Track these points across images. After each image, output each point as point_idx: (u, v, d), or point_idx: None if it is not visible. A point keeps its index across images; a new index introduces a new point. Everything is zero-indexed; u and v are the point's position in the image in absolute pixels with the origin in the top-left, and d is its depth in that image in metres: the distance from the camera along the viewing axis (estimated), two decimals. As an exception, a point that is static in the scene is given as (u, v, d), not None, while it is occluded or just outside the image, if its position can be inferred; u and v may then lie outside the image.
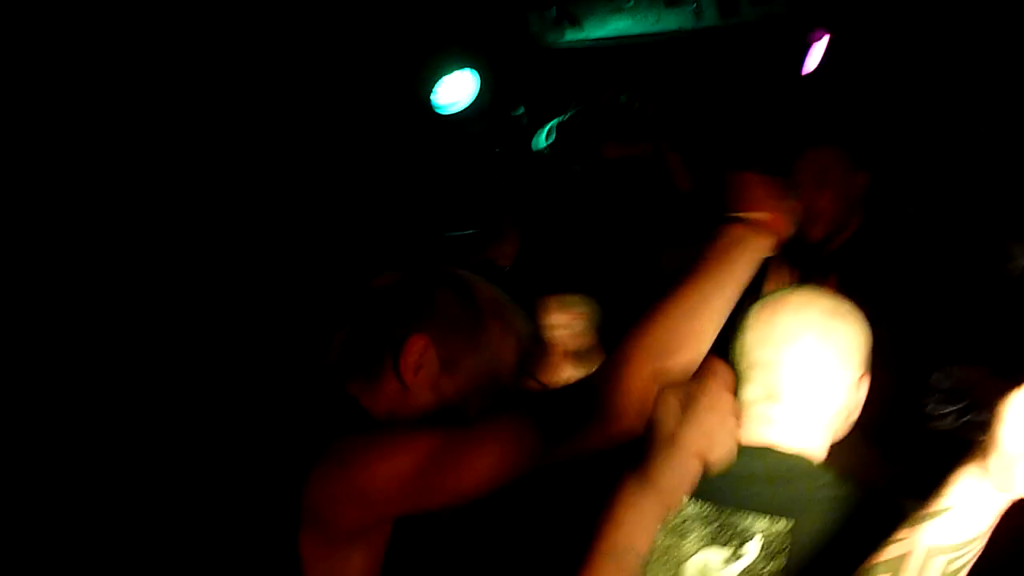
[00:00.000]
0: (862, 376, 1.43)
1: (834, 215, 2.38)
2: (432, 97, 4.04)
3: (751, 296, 1.38)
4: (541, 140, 3.69)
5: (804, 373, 1.36)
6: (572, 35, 4.04)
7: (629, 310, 1.27)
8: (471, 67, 4.04)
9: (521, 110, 4.20)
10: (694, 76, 4.13)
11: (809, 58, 4.06)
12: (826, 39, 3.99)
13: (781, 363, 1.37)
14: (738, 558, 1.29)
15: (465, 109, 4.15)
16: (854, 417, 1.46)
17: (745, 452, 1.27)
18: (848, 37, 3.89)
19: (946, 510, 0.99)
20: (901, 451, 2.14)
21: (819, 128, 3.30)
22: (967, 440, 1.02)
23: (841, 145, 2.48)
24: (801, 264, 2.41)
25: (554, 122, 3.62)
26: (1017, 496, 0.98)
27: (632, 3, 3.40)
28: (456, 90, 4.15)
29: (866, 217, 2.44)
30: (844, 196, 2.39)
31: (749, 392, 1.40)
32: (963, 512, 0.99)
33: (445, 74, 4.02)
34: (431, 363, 1.32)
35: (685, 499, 1.30)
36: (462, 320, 1.35)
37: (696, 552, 1.31)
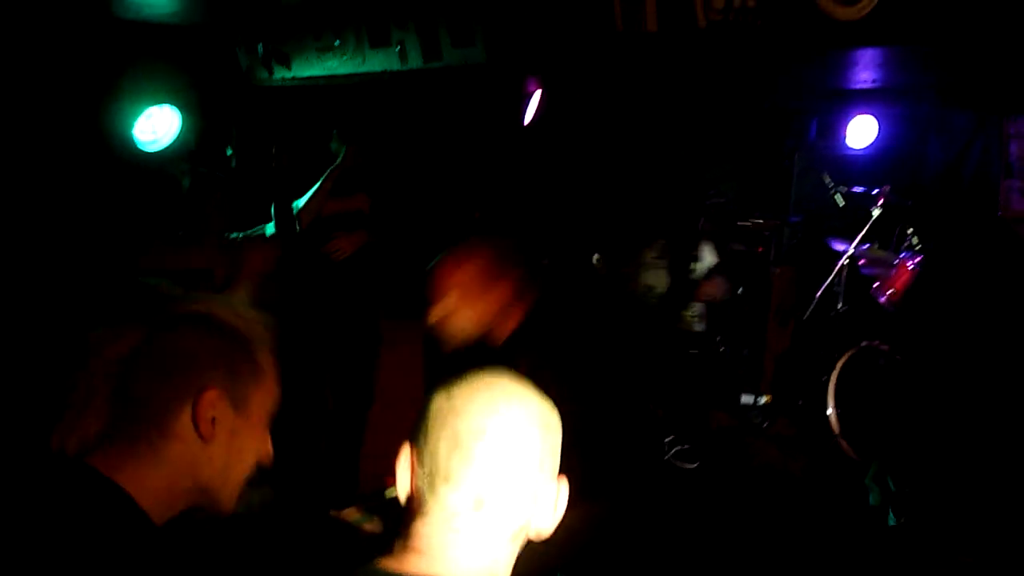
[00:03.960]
0: (553, 481, 1.21)
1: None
2: (133, 133, 3.89)
3: None
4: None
5: (496, 476, 1.14)
6: (281, 73, 4.02)
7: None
8: (172, 104, 3.91)
9: (230, 151, 4.13)
10: (403, 116, 4.30)
11: (528, 109, 4.39)
12: (538, 93, 4.34)
13: (473, 467, 1.14)
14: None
15: (170, 146, 4.01)
16: (549, 526, 1.22)
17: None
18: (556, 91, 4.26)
19: None
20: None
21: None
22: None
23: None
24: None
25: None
26: None
27: (339, 43, 3.45)
28: (159, 126, 4.00)
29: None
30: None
31: (443, 493, 1.15)
32: None
33: (143, 110, 3.87)
34: (225, 411, 1.28)
35: None
36: (237, 356, 1.31)
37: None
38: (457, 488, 1.13)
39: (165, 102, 3.93)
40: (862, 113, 5.23)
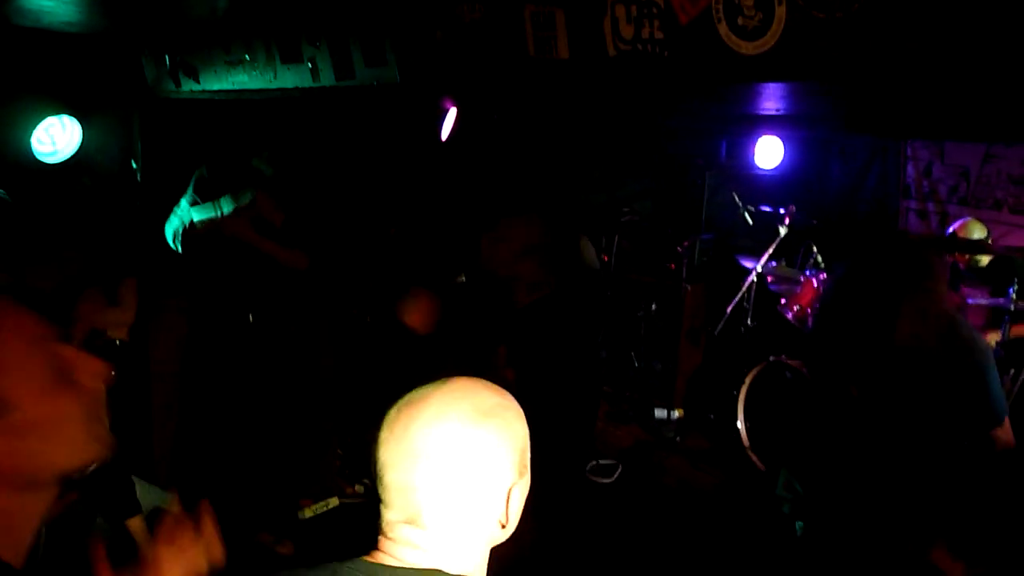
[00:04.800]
0: (515, 482, 1.23)
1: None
2: (31, 142, 3.74)
3: None
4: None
5: (443, 497, 1.17)
6: (189, 86, 3.91)
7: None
8: (71, 114, 3.77)
9: (135, 165, 4.00)
10: (320, 133, 4.24)
11: (444, 125, 4.38)
12: (454, 111, 4.34)
13: (416, 488, 1.17)
14: None
15: (70, 157, 3.87)
16: (512, 525, 1.26)
17: None
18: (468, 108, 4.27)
19: None
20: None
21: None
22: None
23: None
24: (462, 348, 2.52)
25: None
26: None
27: (249, 58, 3.37)
28: (58, 137, 3.85)
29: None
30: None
31: (391, 515, 1.21)
32: None
33: (40, 120, 3.72)
34: None
35: None
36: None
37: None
38: (396, 512, 1.20)
39: (64, 112, 3.78)
40: (769, 135, 5.40)
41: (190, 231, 3.41)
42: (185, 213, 3.45)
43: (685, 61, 1.83)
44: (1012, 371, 4.26)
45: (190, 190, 3.48)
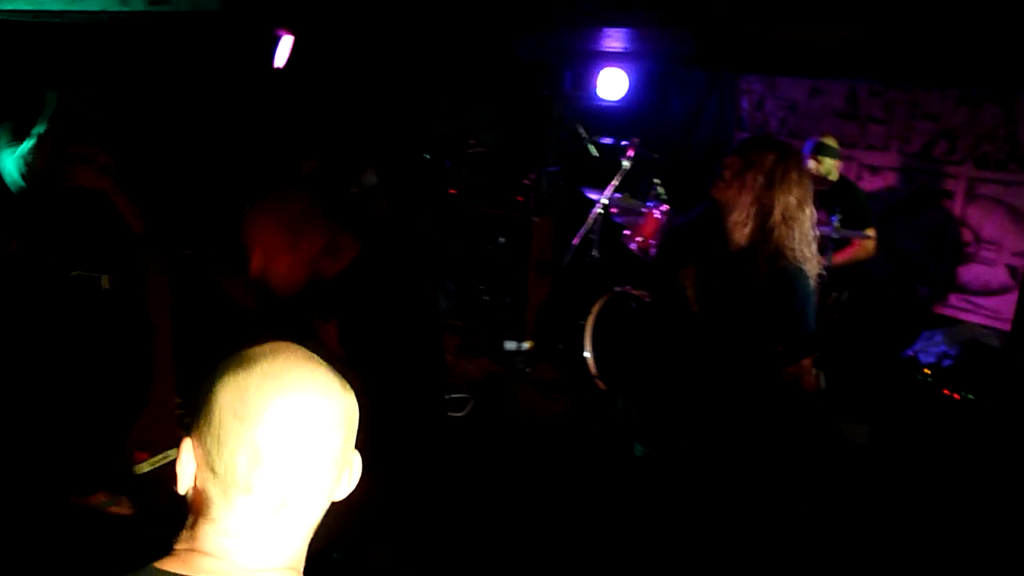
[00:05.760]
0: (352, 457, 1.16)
1: (290, 273, 2.31)
2: None
3: None
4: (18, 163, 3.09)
5: (300, 484, 1.08)
6: (-22, 5, 3.44)
7: None
8: None
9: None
10: (129, 64, 3.86)
11: (278, 54, 4.11)
12: (290, 39, 4.07)
13: (276, 476, 1.06)
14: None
15: None
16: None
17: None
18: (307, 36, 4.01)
19: None
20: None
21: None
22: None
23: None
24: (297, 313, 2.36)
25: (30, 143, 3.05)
26: None
27: (47, -25, 2.99)
28: None
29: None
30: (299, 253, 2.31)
31: (229, 488, 1.07)
32: None
33: None
34: None
35: None
36: None
37: None
38: (259, 497, 1.06)
39: None
40: (612, 67, 5.42)
41: (30, 171, 3.05)
42: (10, 161, 3.09)
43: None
44: (834, 294, 4.56)
45: (3, 139, 3.11)
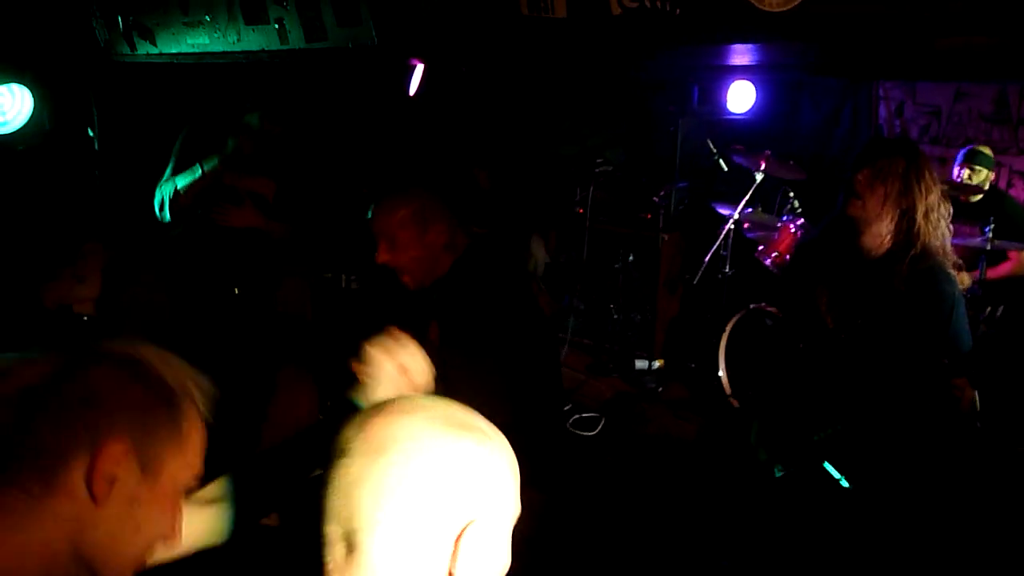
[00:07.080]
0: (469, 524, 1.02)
1: (417, 266, 2.39)
2: None
3: None
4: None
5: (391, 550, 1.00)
6: (145, 49, 3.70)
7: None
8: (20, 82, 3.56)
9: (91, 133, 3.79)
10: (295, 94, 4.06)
11: (412, 82, 4.25)
12: (421, 67, 4.20)
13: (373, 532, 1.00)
14: None
15: (23, 127, 3.67)
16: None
17: None
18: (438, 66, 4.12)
19: None
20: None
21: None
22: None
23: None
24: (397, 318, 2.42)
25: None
26: None
27: (210, 19, 3.19)
28: (7, 106, 3.65)
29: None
30: (424, 246, 2.38)
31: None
32: None
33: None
34: (129, 471, 1.07)
35: None
36: (157, 411, 1.10)
37: None
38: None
39: (12, 80, 3.57)
40: (740, 79, 5.32)
41: (174, 200, 3.24)
42: (169, 183, 3.29)
43: (698, 18, 1.74)
44: (988, 309, 4.32)
45: (173, 158, 3.31)
